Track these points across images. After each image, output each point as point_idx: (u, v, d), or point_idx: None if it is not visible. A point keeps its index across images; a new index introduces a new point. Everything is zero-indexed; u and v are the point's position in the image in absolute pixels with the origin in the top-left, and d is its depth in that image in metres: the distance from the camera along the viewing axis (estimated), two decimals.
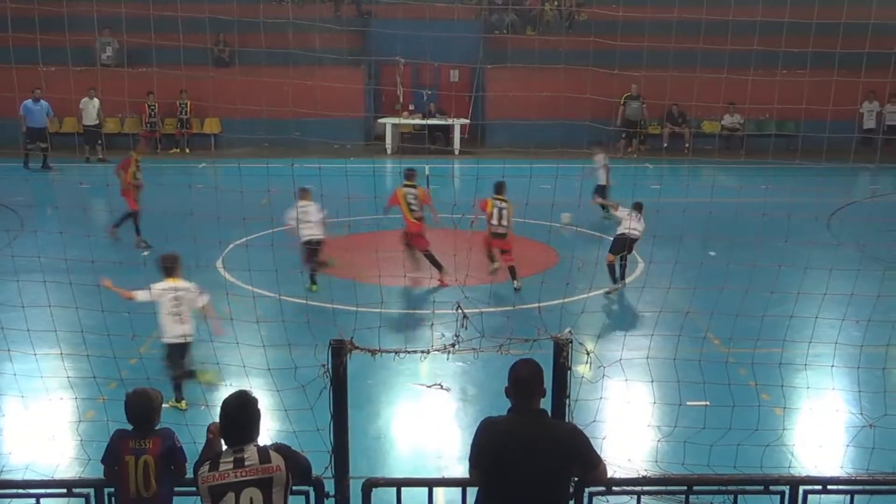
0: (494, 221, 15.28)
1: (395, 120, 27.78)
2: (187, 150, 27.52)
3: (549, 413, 5.95)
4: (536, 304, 12.71)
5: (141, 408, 6.10)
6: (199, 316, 10.75)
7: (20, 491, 6.41)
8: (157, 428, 6.17)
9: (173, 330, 10.51)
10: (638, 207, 15.25)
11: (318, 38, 25.05)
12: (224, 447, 5.55)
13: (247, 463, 5.39)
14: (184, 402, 10.62)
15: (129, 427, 6.14)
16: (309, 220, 14.96)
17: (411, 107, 28.74)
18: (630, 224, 15.00)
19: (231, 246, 16.07)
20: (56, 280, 11.87)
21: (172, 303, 10.41)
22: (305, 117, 23.98)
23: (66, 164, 25.92)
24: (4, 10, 25.71)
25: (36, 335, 10.11)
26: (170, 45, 23.47)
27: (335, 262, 15.26)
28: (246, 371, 9.07)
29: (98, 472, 6.38)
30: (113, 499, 6.20)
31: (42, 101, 25.04)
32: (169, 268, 10.66)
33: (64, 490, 6.38)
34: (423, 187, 15.60)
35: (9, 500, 6.44)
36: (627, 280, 15.28)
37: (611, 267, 15.02)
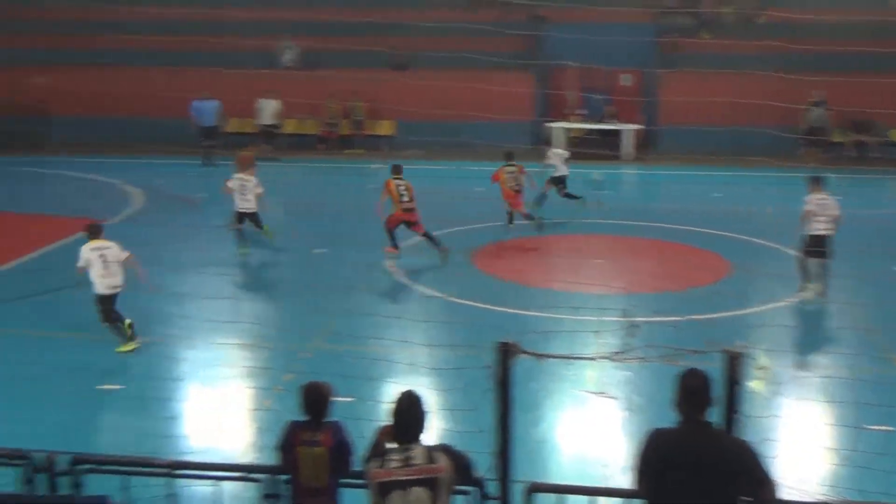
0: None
1: (565, 124, 27.63)
2: (357, 151, 28.14)
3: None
4: (707, 315, 12.42)
5: (314, 400, 6.29)
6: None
7: (201, 472, 6.73)
8: (328, 420, 6.36)
9: (104, 282, 11.23)
10: (819, 182, 13.56)
11: (490, 41, 25.23)
12: (391, 445, 5.67)
13: (414, 462, 5.50)
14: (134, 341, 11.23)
15: (303, 418, 6.35)
16: (246, 192, 15.61)
17: (581, 111, 28.54)
18: (820, 225, 13.22)
19: (400, 245, 16.38)
20: (233, 274, 12.50)
21: (100, 260, 11.23)
22: (475, 120, 24.29)
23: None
24: (195, 15, 27.11)
25: (217, 325, 10.63)
26: (347, 49, 24.13)
27: (269, 231, 15.87)
28: (414, 369, 9.25)
29: (273, 459, 6.64)
30: (286, 486, 6.45)
31: (211, 101, 26.20)
32: (93, 232, 11.63)
33: (241, 474, 6.66)
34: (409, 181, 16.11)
35: (188, 480, 6.75)
36: (810, 292, 14.01)
37: (806, 269, 13.49)
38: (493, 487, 6.34)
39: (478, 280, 14.93)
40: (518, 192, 17.40)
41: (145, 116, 26.88)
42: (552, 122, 27.76)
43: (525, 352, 6.38)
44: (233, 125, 27.50)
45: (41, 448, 6.45)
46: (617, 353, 6.60)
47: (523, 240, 17.11)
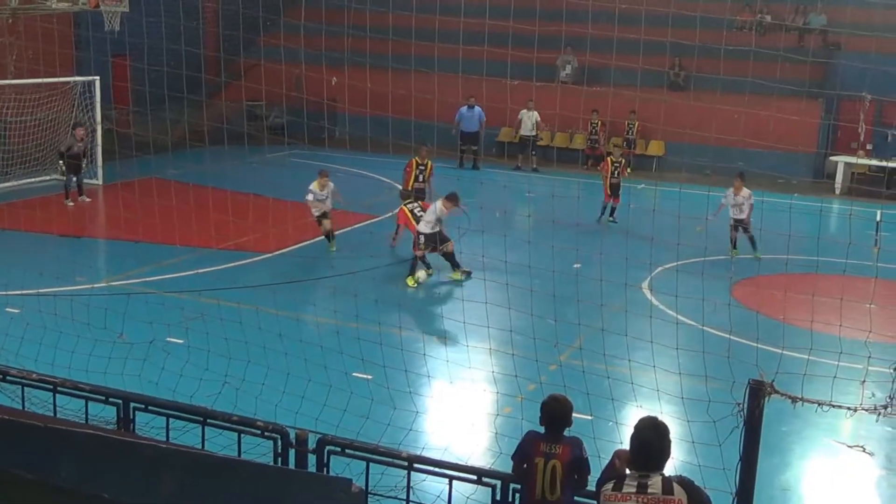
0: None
1: (850, 159, 26.11)
2: (629, 171, 27.98)
3: None
4: None
5: (557, 413, 6.30)
6: None
7: (436, 469, 6.91)
8: (567, 435, 6.35)
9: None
10: None
11: (778, 67, 24.20)
12: (629, 470, 5.56)
13: (650, 490, 5.36)
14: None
15: (542, 429, 6.37)
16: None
17: (869, 146, 26.86)
18: None
19: (659, 269, 16.09)
20: (494, 280, 12.70)
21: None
22: (753, 147, 23.38)
23: (497, 170, 27.53)
24: (478, 26, 27.92)
25: (470, 328, 10.86)
26: (627, 67, 24.01)
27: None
28: (659, 395, 9.05)
29: (507, 466, 6.70)
30: (518, 495, 6.49)
31: (476, 108, 27.17)
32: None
33: (475, 477, 6.76)
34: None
35: (424, 475, 6.94)
36: None
37: None
38: None
39: (736, 312, 14.35)
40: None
41: (419, 119, 28.02)
42: (836, 155, 26.34)
43: (779, 392, 6.10)
44: (505, 135, 28.17)
45: (296, 424, 6.87)
46: (882, 406, 6.16)
47: (789, 276, 16.31)
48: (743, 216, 18.17)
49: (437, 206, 15.80)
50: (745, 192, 18.31)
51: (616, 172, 21.13)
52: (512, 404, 9.99)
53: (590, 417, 8.92)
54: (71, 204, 20.32)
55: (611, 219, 20.65)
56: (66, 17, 23.85)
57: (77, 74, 23.69)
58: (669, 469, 5.66)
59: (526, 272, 14.44)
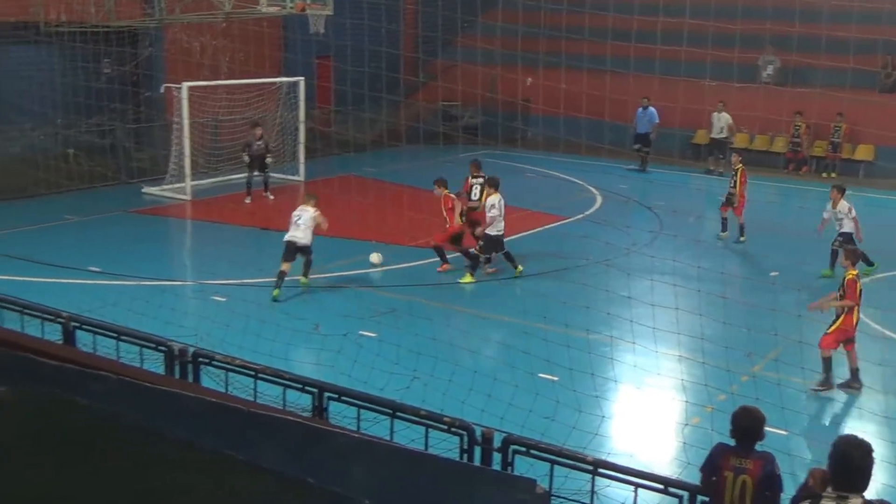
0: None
1: None
2: (833, 175, 26.70)
3: None
4: None
5: (749, 426, 6.10)
6: None
7: (622, 476, 6.81)
8: (759, 450, 6.14)
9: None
10: None
11: None
12: (826, 491, 5.30)
13: None
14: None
15: (732, 442, 6.19)
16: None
17: None
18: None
19: (865, 280, 15.28)
20: (686, 286, 12.44)
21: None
22: None
23: (690, 173, 26.82)
24: (676, 25, 27.37)
25: (660, 334, 10.67)
26: (836, 66, 22.95)
27: None
28: (861, 413, 8.61)
29: (694, 477, 6.54)
30: None
31: (650, 109, 26.74)
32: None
33: (661, 486, 6.63)
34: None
35: (608, 481, 6.86)
36: None
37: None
38: None
39: None
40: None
41: (613, 121, 27.77)
42: None
43: None
44: (701, 137, 27.51)
45: (481, 422, 6.94)
46: None
47: None
48: (847, 231, 16.19)
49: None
50: (844, 205, 16.45)
51: (734, 181, 18.80)
52: (701, 414, 9.74)
53: (784, 432, 8.57)
54: (248, 201, 21.13)
55: (722, 234, 18.62)
56: (274, 21, 24.96)
57: (283, 75, 24.75)
58: (871, 493, 5.37)
59: (718, 279, 14.16)
